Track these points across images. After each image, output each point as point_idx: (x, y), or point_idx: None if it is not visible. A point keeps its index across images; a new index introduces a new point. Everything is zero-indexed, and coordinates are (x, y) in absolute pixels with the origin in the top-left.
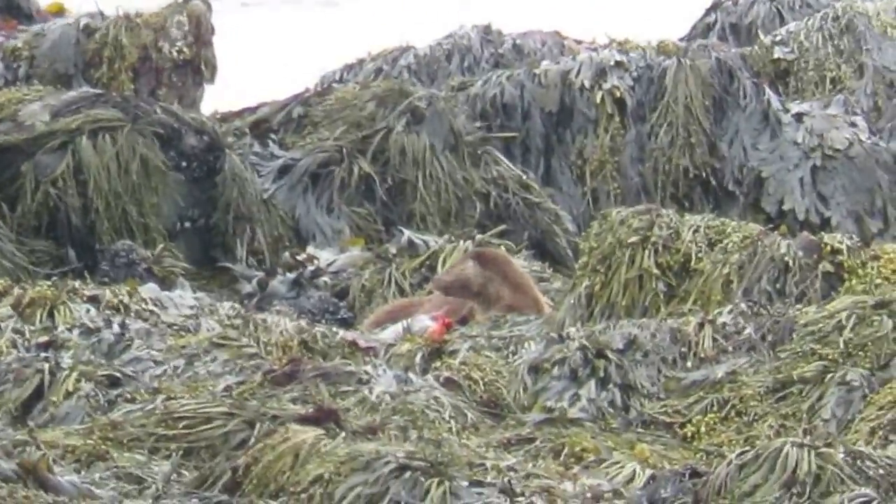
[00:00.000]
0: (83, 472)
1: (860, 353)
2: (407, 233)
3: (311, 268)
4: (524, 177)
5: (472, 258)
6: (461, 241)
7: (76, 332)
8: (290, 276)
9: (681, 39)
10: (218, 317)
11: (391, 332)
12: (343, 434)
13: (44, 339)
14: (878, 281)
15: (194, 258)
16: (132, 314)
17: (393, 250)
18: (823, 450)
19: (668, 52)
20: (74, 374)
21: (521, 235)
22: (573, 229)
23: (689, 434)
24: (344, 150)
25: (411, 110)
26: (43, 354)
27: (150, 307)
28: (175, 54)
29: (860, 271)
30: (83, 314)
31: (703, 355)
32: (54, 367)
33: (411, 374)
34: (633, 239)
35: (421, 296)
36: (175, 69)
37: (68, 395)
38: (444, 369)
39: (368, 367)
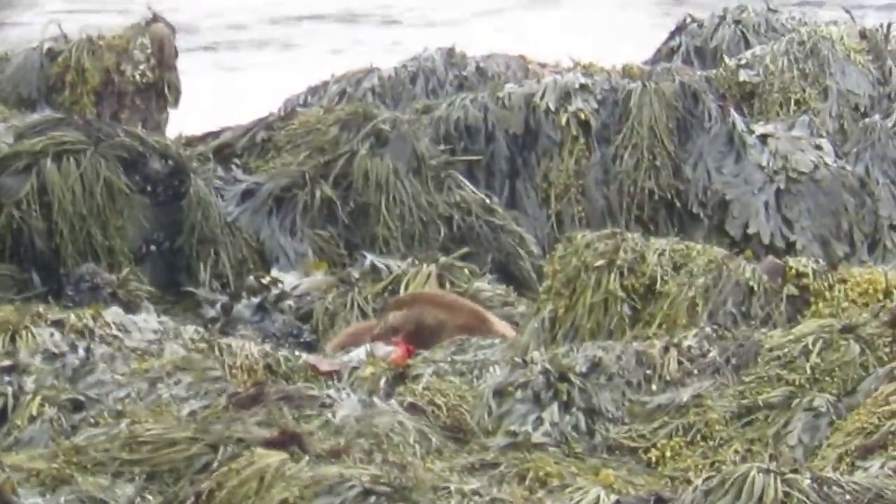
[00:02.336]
0: (47, 496)
1: (826, 378)
2: (370, 257)
3: (275, 292)
4: (488, 200)
5: (388, 309)
6: (424, 265)
7: (39, 356)
8: (255, 300)
9: (645, 63)
10: (182, 341)
11: (354, 355)
12: (307, 458)
13: (6, 363)
14: (845, 305)
15: (159, 282)
16: (96, 338)
17: (356, 274)
18: (790, 476)
19: (632, 76)
20: (38, 399)
21: (485, 258)
22: (538, 252)
23: (654, 459)
24: (307, 174)
25: (375, 133)
26: (6, 378)
27: (115, 331)
28: (138, 77)
29: (826, 295)
30: (47, 338)
31: (668, 378)
32: (18, 391)
33: (375, 399)
34: (599, 262)
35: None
36: (138, 92)
37: (32, 419)
38: (407, 394)
39: (332, 391)
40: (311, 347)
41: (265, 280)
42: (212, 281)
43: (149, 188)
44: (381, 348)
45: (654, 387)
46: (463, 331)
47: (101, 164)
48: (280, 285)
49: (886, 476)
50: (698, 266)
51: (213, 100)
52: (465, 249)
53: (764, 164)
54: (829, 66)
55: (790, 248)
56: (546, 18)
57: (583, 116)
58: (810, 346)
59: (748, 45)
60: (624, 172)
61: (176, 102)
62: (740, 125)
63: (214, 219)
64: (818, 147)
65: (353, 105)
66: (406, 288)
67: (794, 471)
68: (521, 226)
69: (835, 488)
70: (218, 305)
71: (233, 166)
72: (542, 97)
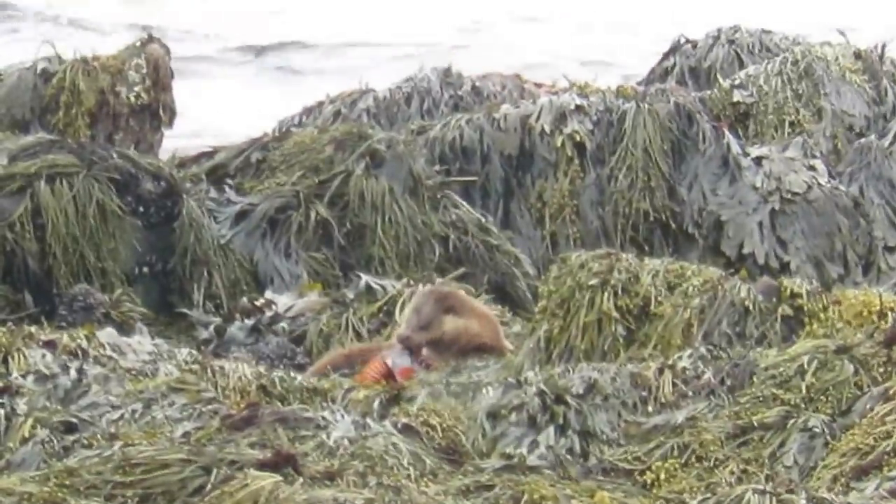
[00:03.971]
0: None
1: (822, 398)
2: (365, 277)
3: (269, 313)
4: (483, 220)
5: (446, 311)
6: (420, 286)
7: (31, 377)
8: (248, 322)
9: (639, 83)
10: (176, 362)
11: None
12: (301, 480)
13: None
14: (840, 325)
15: (152, 303)
16: (90, 359)
17: (350, 295)
18: (785, 496)
19: (627, 96)
20: (30, 420)
21: (480, 279)
22: (533, 272)
23: (650, 481)
24: (301, 194)
25: (370, 154)
26: None
27: (108, 352)
28: (133, 99)
29: (821, 315)
30: (39, 359)
31: (663, 400)
32: (10, 412)
33: (369, 420)
34: (593, 282)
35: (379, 341)
36: (133, 114)
37: (24, 441)
38: (402, 415)
39: (326, 413)
40: (304, 369)
41: (259, 302)
42: (205, 303)
43: (141, 209)
44: (402, 356)
45: (649, 408)
46: (480, 348)
47: (94, 186)
48: (274, 307)
49: (881, 497)
50: (693, 286)
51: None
52: (461, 270)
53: (758, 185)
54: (823, 86)
55: (784, 268)
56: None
57: (578, 138)
58: (805, 367)
59: (742, 66)
60: (619, 193)
61: (171, 123)
62: (734, 146)
63: (207, 240)
64: (812, 168)
65: (348, 125)
66: (401, 309)
67: (790, 491)
68: (517, 246)
69: None
70: (211, 327)
71: (226, 187)
72: (538, 118)
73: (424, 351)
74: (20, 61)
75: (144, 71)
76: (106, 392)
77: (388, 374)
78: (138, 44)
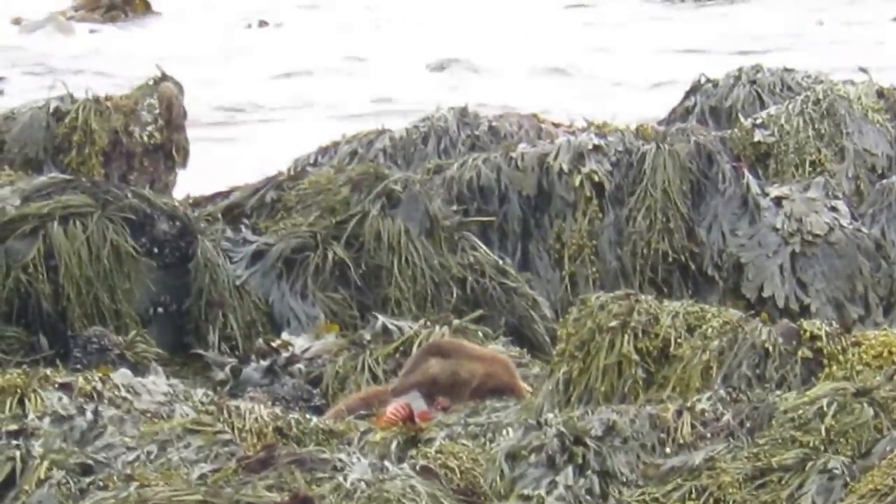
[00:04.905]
0: None
1: (841, 440)
2: (381, 318)
3: (285, 355)
4: (501, 262)
5: (432, 354)
6: (437, 327)
7: (47, 419)
8: (264, 363)
9: (660, 123)
10: (192, 403)
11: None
12: None
13: (14, 427)
14: (859, 367)
15: (167, 344)
16: (105, 401)
17: (367, 336)
18: None
19: (646, 137)
20: (46, 462)
21: (498, 321)
22: (551, 315)
23: None
24: (318, 235)
25: (386, 194)
26: (14, 442)
27: (124, 393)
28: (146, 138)
29: (840, 358)
30: (55, 401)
31: (681, 441)
32: (25, 454)
33: (387, 462)
34: (613, 324)
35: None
36: (146, 153)
37: (40, 483)
38: (420, 457)
39: (343, 455)
40: (320, 411)
41: (275, 343)
42: (220, 343)
43: (156, 250)
44: (417, 400)
45: (667, 450)
46: (495, 390)
47: (108, 227)
48: (290, 348)
49: None
50: (713, 328)
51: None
52: (478, 312)
53: (779, 226)
54: (845, 125)
55: (804, 310)
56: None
57: (596, 178)
58: (825, 409)
59: (763, 105)
60: (637, 234)
61: (184, 163)
62: (755, 187)
63: (223, 281)
64: (834, 209)
65: (364, 165)
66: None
67: None
68: (535, 288)
69: None
70: (227, 368)
71: (242, 227)
72: (556, 158)
73: (440, 398)
74: (33, 100)
75: (157, 111)
76: (121, 433)
77: (410, 417)
78: (151, 83)
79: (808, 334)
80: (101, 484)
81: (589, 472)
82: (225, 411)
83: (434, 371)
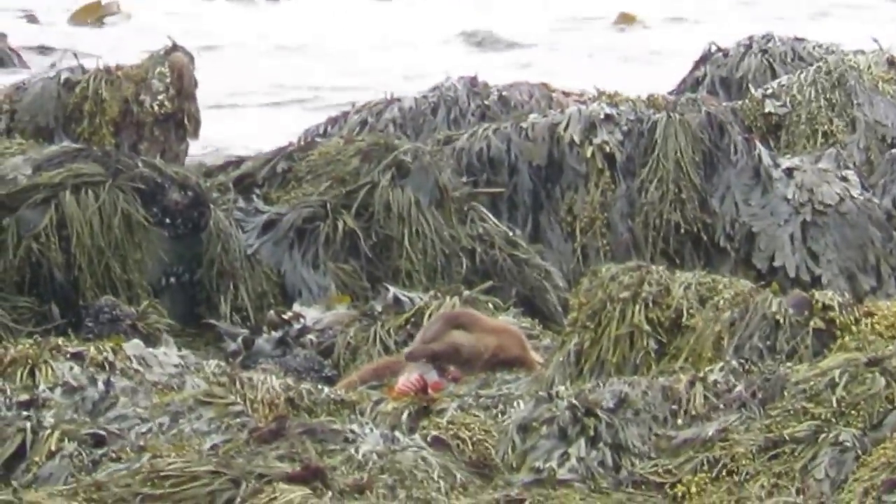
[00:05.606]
0: None
1: (853, 411)
2: (392, 290)
3: (296, 326)
4: (511, 234)
5: (454, 326)
6: (447, 298)
7: (59, 390)
8: (276, 334)
9: (670, 93)
10: (203, 374)
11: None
12: (330, 493)
13: (25, 397)
14: (872, 338)
15: (179, 315)
16: (117, 371)
17: (378, 307)
18: None
19: (657, 106)
20: (57, 433)
21: (508, 292)
22: (563, 286)
23: (680, 494)
24: (328, 205)
25: (396, 164)
26: (24, 413)
27: (135, 365)
28: (157, 108)
29: (853, 328)
30: (66, 372)
31: (694, 413)
32: (36, 426)
33: (398, 433)
34: (624, 295)
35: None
36: (157, 123)
37: (51, 454)
38: (431, 428)
39: (354, 426)
40: (332, 382)
41: (286, 314)
42: (232, 314)
43: (168, 220)
44: (429, 371)
45: (679, 421)
46: (506, 362)
47: (120, 196)
48: (302, 320)
49: None
50: (724, 299)
51: None
52: (488, 283)
53: (790, 196)
54: (856, 96)
55: (815, 281)
56: None
57: (608, 149)
58: (836, 380)
59: (774, 75)
60: (649, 205)
61: (195, 133)
62: (766, 158)
63: (234, 251)
64: (844, 179)
65: (374, 135)
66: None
67: None
68: (547, 259)
69: None
70: (239, 339)
71: (253, 197)
72: (567, 128)
73: (452, 368)
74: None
75: (168, 80)
76: (134, 405)
77: (424, 389)
78: (162, 52)
79: (820, 305)
80: (113, 455)
81: (601, 445)
82: (237, 382)
83: (457, 342)
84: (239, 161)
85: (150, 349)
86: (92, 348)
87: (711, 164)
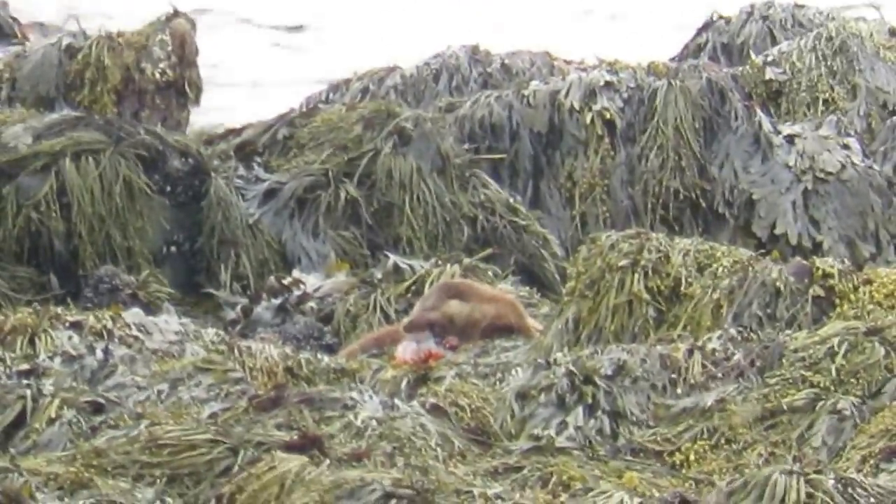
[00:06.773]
0: (66, 500)
1: (851, 380)
2: (392, 257)
3: (296, 293)
4: (512, 200)
5: (450, 295)
6: (448, 266)
7: (58, 359)
8: (276, 301)
9: (671, 59)
10: (203, 342)
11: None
12: (328, 461)
13: (25, 366)
14: (871, 306)
15: (179, 283)
16: (116, 340)
17: (378, 275)
18: (813, 477)
19: (658, 73)
20: (57, 401)
21: (508, 260)
22: (561, 253)
23: (679, 462)
24: (330, 172)
25: (398, 132)
26: (25, 381)
27: (135, 333)
28: (158, 76)
29: (852, 296)
30: (65, 341)
31: (692, 381)
32: (36, 393)
33: (397, 401)
34: (623, 263)
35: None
36: (158, 91)
37: (51, 421)
38: (430, 396)
39: (353, 393)
40: (332, 350)
41: (286, 281)
42: (232, 283)
43: (169, 188)
44: (428, 340)
45: (678, 390)
46: (503, 330)
47: (121, 163)
48: (301, 287)
49: None
50: (723, 267)
51: None
52: (489, 251)
53: (791, 163)
54: (857, 63)
55: (817, 248)
56: None
57: (608, 115)
58: (835, 348)
59: (775, 42)
60: (649, 172)
61: (197, 100)
62: (766, 125)
63: (235, 219)
64: (846, 146)
65: (376, 103)
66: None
67: (818, 472)
68: (545, 226)
69: (858, 490)
70: (238, 307)
71: (255, 164)
72: (567, 95)
73: (450, 337)
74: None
75: (170, 47)
76: (132, 373)
77: (426, 361)
78: (163, 19)
79: (820, 272)
80: (111, 423)
81: (599, 413)
82: (236, 350)
83: (453, 312)
84: (240, 129)
85: (150, 317)
86: (91, 317)
87: (712, 130)
